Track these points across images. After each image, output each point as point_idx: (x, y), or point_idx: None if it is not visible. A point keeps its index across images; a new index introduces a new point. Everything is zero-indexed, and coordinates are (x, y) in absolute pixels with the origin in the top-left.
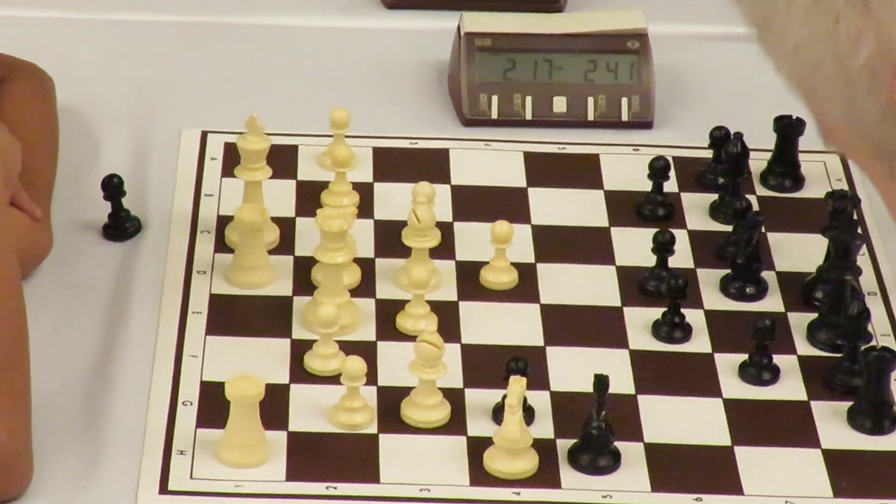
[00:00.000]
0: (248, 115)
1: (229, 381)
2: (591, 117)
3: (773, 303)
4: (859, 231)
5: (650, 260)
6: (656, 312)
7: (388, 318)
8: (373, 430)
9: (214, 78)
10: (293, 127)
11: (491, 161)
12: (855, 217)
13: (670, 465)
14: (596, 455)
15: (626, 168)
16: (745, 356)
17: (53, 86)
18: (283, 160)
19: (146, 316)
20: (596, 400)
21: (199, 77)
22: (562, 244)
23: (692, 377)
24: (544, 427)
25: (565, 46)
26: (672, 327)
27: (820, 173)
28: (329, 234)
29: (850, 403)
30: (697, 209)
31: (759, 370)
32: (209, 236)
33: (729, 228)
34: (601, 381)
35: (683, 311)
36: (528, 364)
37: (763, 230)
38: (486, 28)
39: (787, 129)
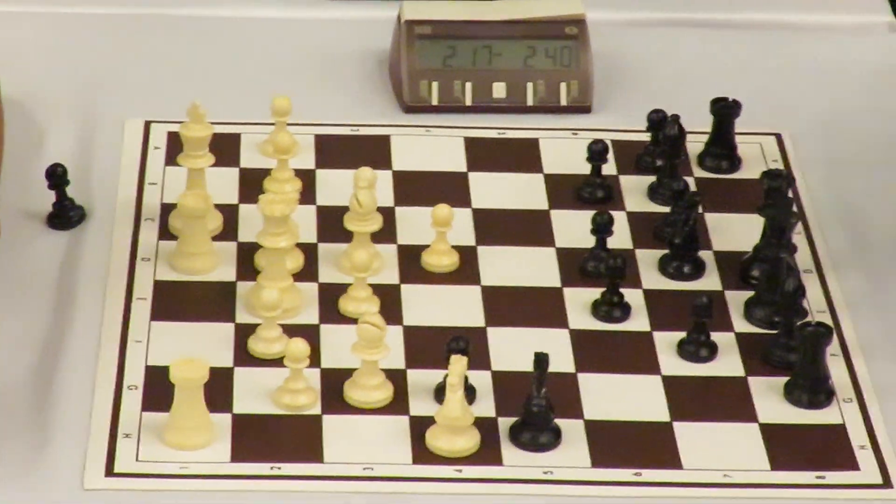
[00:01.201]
0: (191, 105)
1: (173, 365)
2: (530, 102)
3: (710, 282)
4: (794, 209)
5: (589, 241)
6: (596, 293)
7: (330, 301)
8: (316, 411)
9: (158, 69)
10: (236, 116)
11: (432, 147)
12: (790, 195)
13: (610, 441)
14: (537, 432)
15: (565, 152)
16: (683, 334)
17: None
18: (226, 148)
19: (91, 303)
20: (536, 378)
21: (144, 68)
22: (502, 227)
23: (631, 355)
24: (486, 406)
25: (504, 33)
26: (611, 307)
27: (756, 154)
28: (271, 219)
29: (786, 378)
30: (636, 191)
31: (697, 347)
32: (153, 224)
33: (667, 209)
34: (541, 360)
35: (622, 290)
36: (470, 344)
37: (700, 211)
38: (426, 16)
39: (724, 111)
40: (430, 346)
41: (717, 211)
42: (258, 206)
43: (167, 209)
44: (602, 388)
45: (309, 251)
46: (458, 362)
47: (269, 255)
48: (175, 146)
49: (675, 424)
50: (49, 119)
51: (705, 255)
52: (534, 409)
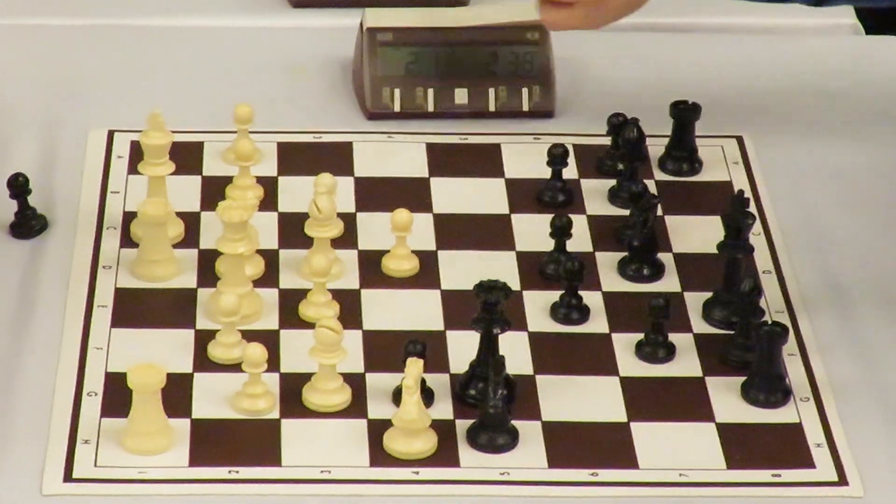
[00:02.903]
0: (151, 113)
1: (131, 370)
2: (492, 108)
3: (670, 283)
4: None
5: (549, 245)
6: (555, 295)
7: (290, 307)
8: (275, 415)
9: (123, 79)
10: (200, 124)
11: (394, 153)
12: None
13: (567, 442)
14: (494, 434)
15: (526, 157)
16: (641, 335)
17: None
18: (189, 157)
19: (52, 311)
20: (492, 380)
21: (108, 78)
22: (463, 232)
23: (589, 357)
24: (444, 409)
25: (466, 39)
26: (570, 309)
27: (717, 157)
28: (230, 225)
29: (744, 378)
30: (597, 195)
31: (655, 348)
32: (115, 232)
33: (627, 212)
34: (497, 363)
35: (582, 293)
36: (427, 347)
37: (661, 213)
38: (388, 23)
39: (683, 114)
40: (388, 350)
41: (678, 213)
42: (216, 212)
43: (130, 217)
44: (560, 390)
45: (270, 258)
46: (414, 365)
47: (228, 261)
48: (138, 155)
49: (633, 425)
50: (13, 130)
51: (665, 258)
52: (490, 410)
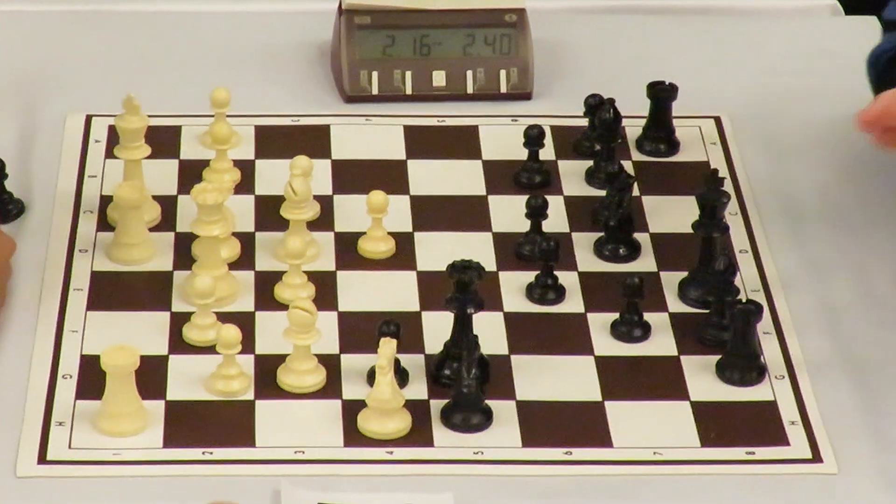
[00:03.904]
0: (126, 97)
1: (104, 352)
2: (470, 90)
3: (646, 263)
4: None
5: (526, 226)
6: (531, 276)
7: (266, 289)
8: (249, 396)
9: (100, 64)
10: (178, 109)
11: (371, 135)
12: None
13: (541, 421)
14: (467, 413)
15: (504, 138)
16: (617, 315)
17: None
18: (166, 141)
19: (28, 294)
20: (466, 360)
21: (86, 63)
22: (439, 213)
23: (564, 336)
24: (418, 389)
25: (444, 22)
26: (545, 289)
27: (695, 137)
28: (204, 208)
29: (719, 357)
30: (574, 176)
31: (630, 328)
32: (92, 216)
33: (604, 193)
34: (470, 342)
35: (557, 273)
36: (401, 327)
37: (639, 194)
38: (366, 5)
39: (661, 94)
40: (364, 331)
41: (655, 194)
42: (191, 194)
43: (106, 201)
44: (534, 370)
45: (246, 240)
46: (388, 345)
47: (203, 243)
48: (115, 140)
49: (607, 404)
50: None
51: (642, 238)
52: (464, 390)
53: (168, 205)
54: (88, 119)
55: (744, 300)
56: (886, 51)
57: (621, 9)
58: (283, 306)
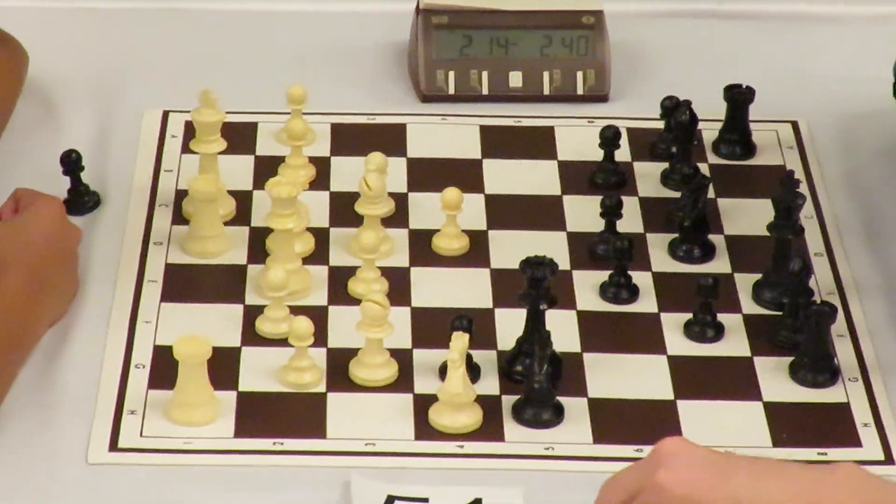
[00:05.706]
0: (202, 91)
1: (176, 341)
2: (546, 91)
3: (720, 264)
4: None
5: (600, 226)
6: (604, 275)
7: (340, 284)
8: (321, 389)
9: (180, 60)
10: (255, 106)
11: (447, 135)
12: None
13: (613, 419)
14: (539, 409)
15: (580, 140)
16: (690, 315)
17: (27, 60)
18: (243, 137)
19: (103, 285)
20: (538, 355)
21: (166, 60)
22: (514, 212)
23: (637, 336)
24: (490, 385)
25: (521, 22)
26: (619, 288)
27: (772, 141)
28: (278, 201)
29: (792, 358)
30: (649, 177)
31: (703, 328)
32: (167, 209)
33: (679, 195)
34: (543, 338)
35: (631, 273)
36: (473, 323)
37: (714, 196)
38: (443, 5)
39: (738, 97)
40: (436, 327)
41: (731, 196)
42: (266, 188)
43: (182, 195)
44: (607, 368)
45: (321, 236)
46: (460, 339)
47: (277, 237)
48: (192, 135)
49: (679, 402)
50: (71, 110)
51: (716, 239)
52: (535, 385)
53: (243, 200)
54: (165, 114)
55: (818, 302)
56: None
57: (699, 13)
58: (355, 301)
